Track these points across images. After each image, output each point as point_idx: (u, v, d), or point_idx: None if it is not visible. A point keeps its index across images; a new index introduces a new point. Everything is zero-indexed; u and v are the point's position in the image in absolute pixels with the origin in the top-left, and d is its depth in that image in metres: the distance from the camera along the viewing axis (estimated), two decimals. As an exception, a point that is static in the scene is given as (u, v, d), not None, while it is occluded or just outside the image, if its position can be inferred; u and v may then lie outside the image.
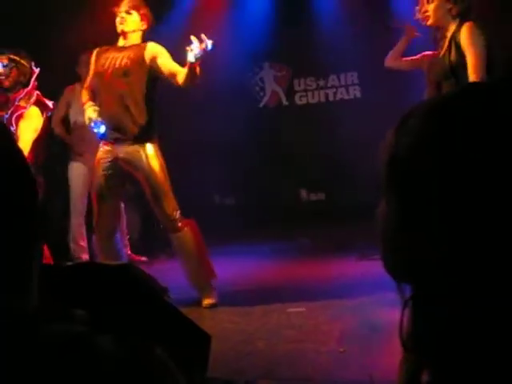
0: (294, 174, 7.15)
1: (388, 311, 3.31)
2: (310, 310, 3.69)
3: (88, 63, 5.34)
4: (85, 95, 4.02)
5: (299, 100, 7.42)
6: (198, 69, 3.62)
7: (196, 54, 3.45)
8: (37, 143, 4.19)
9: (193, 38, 3.46)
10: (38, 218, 0.83)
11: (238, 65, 7.20)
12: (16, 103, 4.18)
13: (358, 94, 7.19)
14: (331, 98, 7.31)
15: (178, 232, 3.87)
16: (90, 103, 3.86)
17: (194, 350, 2.15)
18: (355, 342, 3.06)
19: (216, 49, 6.86)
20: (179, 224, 3.85)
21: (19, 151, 0.81)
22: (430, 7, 3.65)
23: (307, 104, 7.39)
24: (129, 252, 5.40)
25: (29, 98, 4.24)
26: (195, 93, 6.65)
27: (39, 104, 4.25)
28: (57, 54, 5.58)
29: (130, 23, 3.95)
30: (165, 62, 3.80)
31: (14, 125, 4.12)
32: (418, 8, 3.79)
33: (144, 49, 3.88)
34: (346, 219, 5.99)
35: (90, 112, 3.79)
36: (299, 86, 7.40)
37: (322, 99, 7.33)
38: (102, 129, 3.75)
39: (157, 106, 3.98)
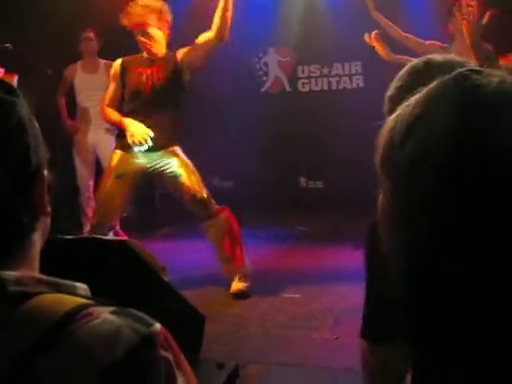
0: (294, 160, 7.12)
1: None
2: (305, 296, 3.70)
3: (88, 40, 5.40)
4: (113, 113, 3.88)
5: (302, 87, 7.38)
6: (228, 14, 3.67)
7: None
8: None
9: None
10: (43, 190, 0.82)
11: (242, 48, 7.15)
12: None
13: (361, 84, 7.15)
14: (334, 87, 7.27)
15: (213, 218, 3.84)
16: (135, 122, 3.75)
17: (189, 329, 2.15)
18: (348, 330, 3.06)
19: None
20: (214, 210, 3.84)
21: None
22: None
23: (310, 91, 7.34)
24: (117, 228, 5.39)
25: (11, 80, 4.35)
26: (196, 73, 6.62)
27: None
28: (55, 32, 5.56)
29: (155, 44, 3.79)
30: (194, 46, 3.79)
31: None
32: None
33: (175, 58, 3.84)
34: (344, 208, 5.98)
35: (144, 133, 3.69)
36: (303, 72, 7.35)
37: (325, 87, 7.29)
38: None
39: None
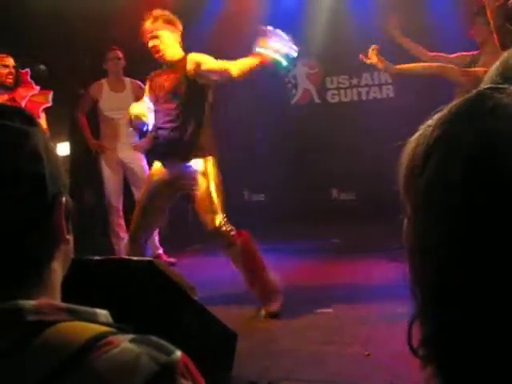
0: (325, 172, 7.09)
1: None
2: (337, 311, 3.66)
3: (116, 59, 5.46)
4: None
5: (331, 98, 7.36)
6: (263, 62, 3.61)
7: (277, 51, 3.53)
8: None
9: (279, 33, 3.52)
10: (60, 218, 0.82)
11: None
12: (27, 99, 4.37)
13: (391, 94, 7.10)
14: (364, 97, 7.23)
15: (231, 247, 3.77)
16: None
17: (221, 347, 2.14)
18: (381, 345, 3.02)
19: (249, 44, 6.87)
20: (231, 239, 3.75)
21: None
22: None
23: (339, 102, 7.32)
24: (160, 251, 5.41)
25: (47, 96, 4.46)
26: (225, 88, 6.67)
27: None
28: (84, 52, 5.66)
29: (165, 47, 3.81)
30: (210, 65, 3.72)
31: (40, 117, 4.38)
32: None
33: (185, 63, 3.80)
34: (377, 219, 5.91)
35: (136, 109, 3.77)
36: (332, 83, 7.34)
37: (355, 98, 7.26)
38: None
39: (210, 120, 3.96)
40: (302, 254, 5.36)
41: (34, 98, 4.48)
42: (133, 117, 3.79)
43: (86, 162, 5.80)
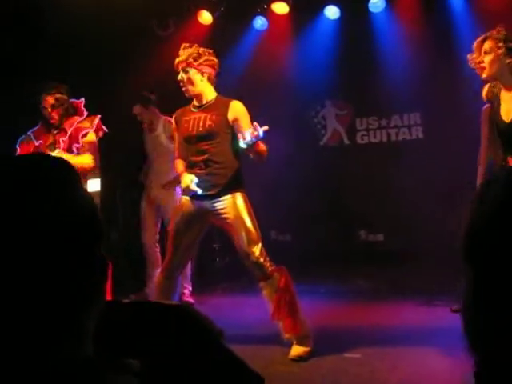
0: (353, 213, 7.06)
1: (448, 360, 3.18)
2: (366, 356, 3.59)
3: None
4: (179, 165, 4.03)
5: (361, 139, 7.37)
6: (260, 148, 3.63)
7: (248, 141, 3.45)
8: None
9: (255, 124, 3.44)
10: (97, 268, 0.83)
11: (300, 102, 7.23)
12: (74, 127, 4.45)
13: (421, 135, 7.08)
14: (393, 138, 7.23)
15: (268, 280, 3.74)
16: (186, 173, 3.87)
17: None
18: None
19: (279, 84, 6.92)
20: (269, 271, 3.74)
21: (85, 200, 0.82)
22: (486, 59, 3.42)
23: (369, 143, 7.33)
24: (185, 291, 5.38)
25: (92, 120, 4.53)
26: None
27: (97, 127, 4.59)
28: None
29: (192, 84, 3.88)
30: (244, 127, 3.73)
31: (79, 141, 4.48)
32: (471, 57, 3.54)
33: (227, 107, 3.86)
34: (405, 261, 5.85)
35: (188, 181, 3.78)
36: (361, 125, 7.36)
37: (384, 139, 7.26)
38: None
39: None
40: (329, 296, 5.31)
41: (80, 124, 4.52)
42: (184, 187, 3.85)
43: (112, 197, 5.90)
